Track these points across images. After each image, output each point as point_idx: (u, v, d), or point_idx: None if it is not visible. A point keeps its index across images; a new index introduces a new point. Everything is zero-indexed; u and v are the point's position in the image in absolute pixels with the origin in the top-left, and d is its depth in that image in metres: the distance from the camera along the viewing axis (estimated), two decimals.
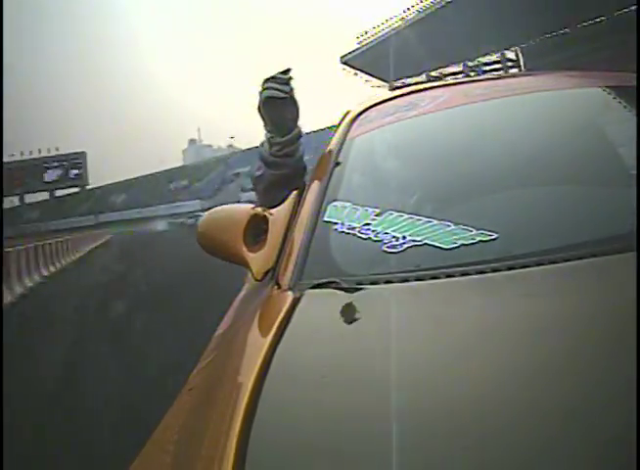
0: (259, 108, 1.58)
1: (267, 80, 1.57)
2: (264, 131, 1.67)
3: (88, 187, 77.46)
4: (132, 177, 76.99)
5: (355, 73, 41.82)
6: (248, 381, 0.77)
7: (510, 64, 36.83)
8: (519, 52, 36.03)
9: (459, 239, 1.06)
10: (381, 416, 0.67)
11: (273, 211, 1.42)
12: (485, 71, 35.25)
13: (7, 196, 78.28)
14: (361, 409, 0.69)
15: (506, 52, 36.91)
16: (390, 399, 0.69)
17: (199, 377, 1.06)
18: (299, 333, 0.93)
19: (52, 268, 15.19)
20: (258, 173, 1.70)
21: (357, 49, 38.53)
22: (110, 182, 78.63)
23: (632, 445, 0.53)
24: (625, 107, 1.56)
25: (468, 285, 0.97)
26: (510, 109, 1.60)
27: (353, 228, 1.17)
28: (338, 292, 1.02)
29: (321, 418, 0.70)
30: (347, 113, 1.78)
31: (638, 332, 0.69)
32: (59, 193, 79.90)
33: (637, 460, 0.52)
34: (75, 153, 77.05)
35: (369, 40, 37.28)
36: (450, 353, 0.78)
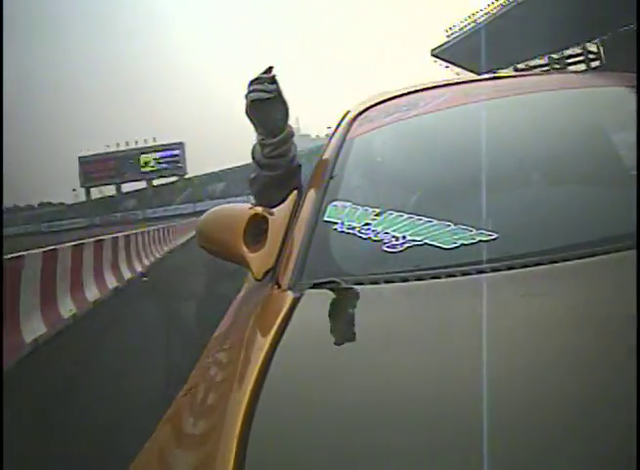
0: (247, 111, 1.56)
1: (251, 82, 1.54)
2: (255, 133, 1.64)
3: (187, 176, 79.05)
4: (231, 166, 77.95)
5: (447, 66, 41.79)
6: (248, 381, 0.77)
7: (591, 56, 36.44)
8: (599, 45, 35.09)
9: (459, 239, 1.05)
10: (381, 415, 0.67)
11: (273, 210, 1.41)
12: (569, 64, 34.85)
13: (104, 185, 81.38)
14: (361, 409, 0.69)
15: (587, 45, 36.19)
16: (390, 399, 0.70)
17: (199, 377, 1.06)
18: (299, 332, 0.94)
19: (166, 247, 17.88)
20: (253, 175, 1.68)
21: (446, 42, 38.47)
22: (209, 171, 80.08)
23: (632, 444, 0.53)
24: (625, 107, 1.54)
25: (468, 285, 0.97)
26: (510, 109, 1.59)
27: (353, 228, 1.16)
28: (337, 291, 1.02)
29: (321, 418, 0.70)
30: (347, 112, 1.77)
31: (638, 331, 0.68)
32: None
33: (637, 460, 0.51)
34: (174, 143, 77.61)
35: (457, 34, 37.20)
36: (450, 353, 0.77)
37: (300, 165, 1.68)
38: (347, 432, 0.65)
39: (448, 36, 39.40)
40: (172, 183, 79.37)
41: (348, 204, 1.23)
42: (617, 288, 0.88)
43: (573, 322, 0.80)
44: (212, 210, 1.47)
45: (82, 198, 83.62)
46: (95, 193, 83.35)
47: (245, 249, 1.29)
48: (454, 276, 0.99)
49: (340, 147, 1.52)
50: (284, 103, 1.56)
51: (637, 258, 0.89)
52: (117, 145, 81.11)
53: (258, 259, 1.27)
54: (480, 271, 0.97)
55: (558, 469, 0.55)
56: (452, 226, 1.08)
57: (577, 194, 1.25)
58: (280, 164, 1.62)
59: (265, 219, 1.34)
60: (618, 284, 0.89)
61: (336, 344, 0.88)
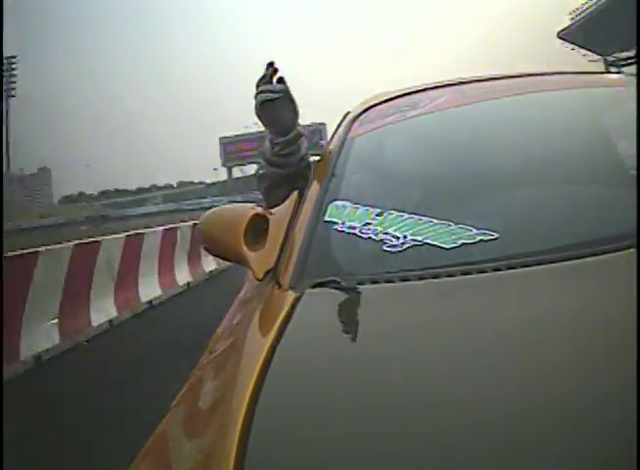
0: (256, 111, 1.56)
1: (259, 83, 1.54)
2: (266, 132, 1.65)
3: None
4: None
5: (572, 48, 40.58)
6: (249, 380, 0.77)
7: None
8: None
9: (459, 239, 1.05)
10: (381, 415, 0.67)
11: (274, 210, 1.42)
12: None
13: (245, 164, 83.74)
14: (361, 408, 0.69)
15: None
16: (391, 398, 0.69)
17: (200, 376, 1.07)
18: (300, 332, 0.94)
19: None
20: (261, 171, 1.70)
21: (572, 24, 37.31)
22: None
23: (632, 444, 0.53)
24: (625, 107, 1.52)
25: (468, 284, 0.97)
26: (510, 109, 1.60)
27: (354, 228, 1.16)
28: (338, 291, 1.02)
29: (321, 417, 0.70)
30: (348, 113, 1.78)
31: (638, 331, 0.68)
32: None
33: (637, 460, 0.51)
34: (317, 123, 79.55)
35: (581, 15, 36.00)
36: (451, 352, 0.77)
37: (310, 164, 1.68)
38: (348, 431, 0.65)
39: (572, 19, 38.17)
40: (316, 161, 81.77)
41: (349, 203, 1.23)
42: (617, 287, 0.87)
43: (574, 322, 0.80)
44: (213, 209, 1.47)
45: (224, 177, 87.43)
46: (237, 172, 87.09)
47: (245, 248, 1.28)
48: (454, 276, 0.98)
49: (340, 147, 1.52)
50: (292, 102, 1.56)
51: (637, 257, 0.89)
52: (257, 125, 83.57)
53: (259, 259, 1.27)
54: (481, 271, 0.97)
55: (558, 469, 0.54)
56: (453, 226, 1.08)
57: (577, 194, 1.24)
58: (289, 163, 1.62)
59: (266, 219, 1.34)
60: (619, 283, 0.88)
61: (336, 343, 0.88)
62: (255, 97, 1.54)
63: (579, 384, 0.65)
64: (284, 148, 1.60)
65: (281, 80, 1.54)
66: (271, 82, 1.53)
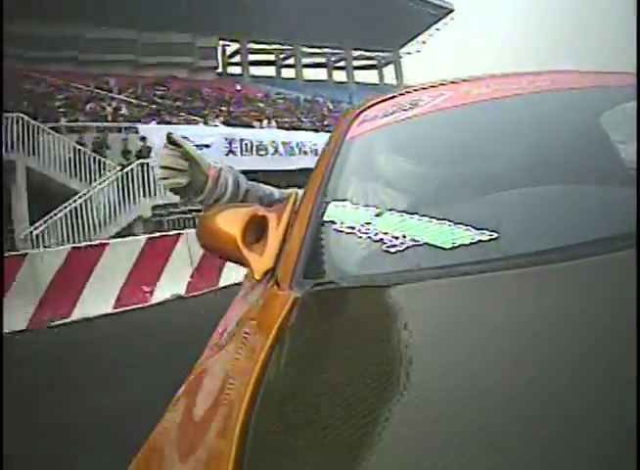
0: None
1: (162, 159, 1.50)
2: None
3: None
4: None
5: None
6: (247, 381, 0.77)
7: None
8: None
9: (459, 238, 1.04)
10: (381, 416, 0.66)
11: (273, 210, 1.41)
12: None
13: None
14: (361, 410, 0.68)
15: None
16: (391, 399, 0.69)
17: (197, 377, 1.06)
18: (299, 333, 0.93)
19: None
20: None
21: None
22: None
23: (632, 444, 0.52)
24: (625, 106, 1.50)
25: (469, 285, 0.96)
26: (510, 108, 1.59)
27: (353, 228, 1.15)
28: (338, 291, 1.02)
29: (321, 419, 0.69)
30: (347, 112, 1.78)
31: (638, 331, 0.67)
32: None
33: (637, 460, 0.51)
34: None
35: None
36: (451, 352, 0.77)
37: (247, 190, 1.64)
38: (347, 432, 0.64)
39: None
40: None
41: (348, 203, 1.23)
42: (617, 287, 0.86)
43: (574, 322, 0.79)
44: (212, 208, 1.47)
45: None
46: None
47: (244, 248, 1.28)
48: (455, 276, 0.97)
49: (339, 146, 1.52)
50: (194, 161, 1.51)
51: (637, 257, 0.87)
52: None
53: (258, 259, 1.27)
54: (481, 271, 0.96)
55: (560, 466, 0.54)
56: (453, 226, 1.07)
57: (577, 193, 1.23)
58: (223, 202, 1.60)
59: (265, 219, 1.34)
60: (619, 284, 0.87)
61: (336, 344, 0.88)
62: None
63: (580, 384, 0.65)
64: (209, 200, 1.57)
65: (171, 140, 1.48)
66: (174, 157, 1.49)
